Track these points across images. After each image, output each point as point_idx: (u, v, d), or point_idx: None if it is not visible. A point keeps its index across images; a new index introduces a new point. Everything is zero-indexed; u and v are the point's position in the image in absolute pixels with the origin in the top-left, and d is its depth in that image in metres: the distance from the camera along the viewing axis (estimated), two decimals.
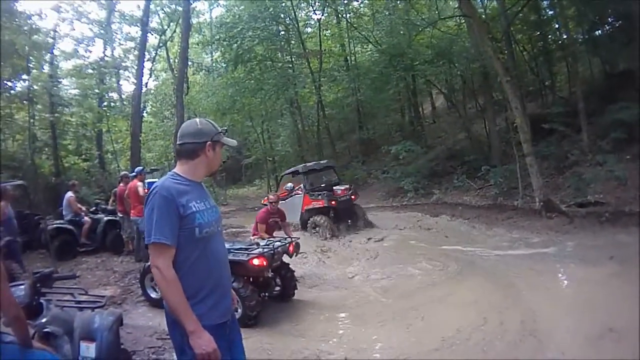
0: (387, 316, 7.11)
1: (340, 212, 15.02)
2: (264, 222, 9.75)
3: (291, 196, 16.05)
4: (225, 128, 3.20)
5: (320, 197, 14.92)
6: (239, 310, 6.62)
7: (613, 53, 15.97)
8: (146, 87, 32.67)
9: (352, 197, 15.54)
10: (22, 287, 3.49)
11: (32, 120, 24.74)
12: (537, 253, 9.40)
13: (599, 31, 17.10)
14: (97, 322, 3.40)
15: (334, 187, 15.74)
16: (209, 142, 3.04)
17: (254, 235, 9.77)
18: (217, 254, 3.03)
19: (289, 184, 16.48)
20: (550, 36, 19.09)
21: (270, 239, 8.66)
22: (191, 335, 2.77)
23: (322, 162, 18.16)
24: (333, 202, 14.71)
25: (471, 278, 8.59)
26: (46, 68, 26.51)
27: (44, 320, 3.34)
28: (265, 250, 7.41)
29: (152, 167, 25.51)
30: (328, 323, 7.18)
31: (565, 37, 17.71)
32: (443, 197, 17.30)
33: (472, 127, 20.33)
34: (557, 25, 18.72)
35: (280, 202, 16.90)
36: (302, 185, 16.01)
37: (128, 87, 34.43)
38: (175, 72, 30.64)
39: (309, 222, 14.74)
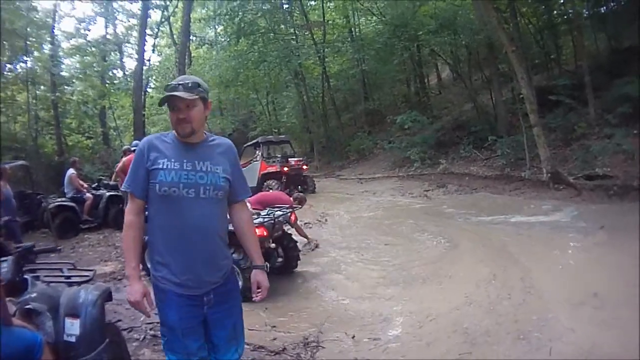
0: (396, 286, 7.07)
1: (291, 179, 17.60)
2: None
3: (251, 163, 18.12)
4: (179, 83, 2.88)
5: (274, 162, 17.59)
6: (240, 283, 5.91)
7: (618, 29, 16.01)
8: (149, 62, 32.61)
9: (303, 167, 18.58)
10: (5, 263, 3.38)
11: (34, 101, 24.84)
12: (544, 222, 9.47)
13: (604, 8, 17.12)
14: (82, 297, 3.26)
15: (289, 158, 18.14)
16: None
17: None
18: (190, 220, 2.84)
19: None
20: (555, 11, 18.86)
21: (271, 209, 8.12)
22: (128, 280, 2.93)
23: (280, 136, 22.48)
24: (285, 169, 17.42)
25: (472, 245, 8.68)
26: (47, 48, 26.44)
27: (27, 296, 3.25)
28: (266, 219, 7.19)
29: None
30: (333, 295, 7.00)
31: (570, 11, 17.59)
32: (450, 167, 17.42)
33: (478, 98, 20.29)
34: (562, 0, 18.58)
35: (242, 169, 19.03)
36: (260, 154, 18.33)
37: (131, 64, 34.53)
38: (178, 46, 30.63)
39: (263, 185, 16.86)
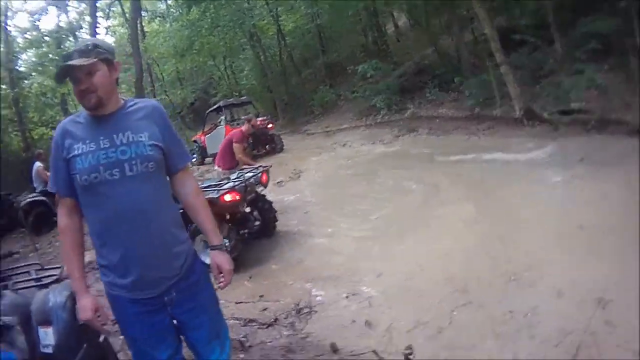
0: (383, 238, 6.92)
1: (258, 139, 17.52)
2: (242, 142, 8.99)
3: (216, 128, 18.70)
4: (75, 50, 2.48)
5: (238, 125, 16.42)
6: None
7: None
8: None
9: (268, 126, 18.53)
10: None
11: None
12: (523, 159, 9.44)
13: None
14: (51, 300, 2.89)
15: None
16: None
17: (217, 165, 9.22)
18: (120, 206, 2.38)
19: None
20: None
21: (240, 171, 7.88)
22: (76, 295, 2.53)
23: (241, 98, 22.66)
24: None
25: (453, 185, 8.68)
26: (2, 46, 26.03)
27: None
28: (237, 183, 6.94)
29: None
30: (318, 255, 6.83)
31: None
32: (418, 111, 17.26)
33: (438, 43, 20.14)
34: None
35: (207, 135, 19.73)
36: (223, 117, 18.81)
37: None
38: (130, 21, 30.27)
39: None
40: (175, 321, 2.60)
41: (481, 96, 14.48)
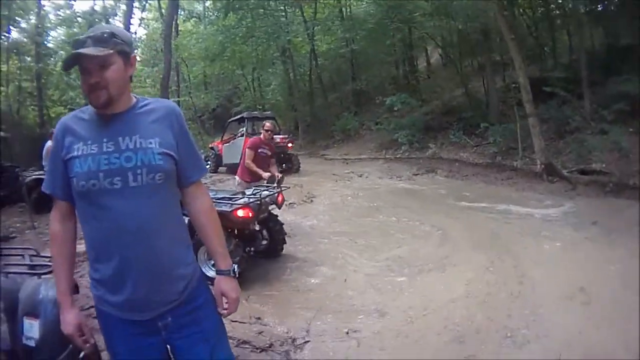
0: (392, 275, 6.73)
1: (275, 157, 16.49)
2: (254, 148, 8.40)
3: (235, 139, 18.42)
4: (88, 36, 2.09)
5: None
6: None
7: (616, 27, 15.90)
8: (135, 35, 32.55)
9: (288, 145, 18.30)
10: None
11: (18, 72, 24.49)
12: (537, 214, 9.39)
13: (602, 5, 17.12)
14: (42, 293, 2.72)
15: (274, 135, 17.18)
16: None
17: (239, 177, 8.69)
18: (121, 220, 2.09)
19: None
20: (552, 4, 18.91)
21: (257, 186, 7.53)
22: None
23: (265, 112, 21.97)
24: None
25: (466, 232, 8.55)
26: (33, 19, 26.15)
27: None
28: (252, 200, 6.61)
29: None
30: (321, 284, 6.64)
31: (569, 6, 17.54)
32: (439, 152, 17.33)
33: (469, 85, 20.18)
34: None
35: (225, 144, 19.43)
36: (244, 129, 18.28)
37: None
38: (165, 17, 30.38)
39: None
40: (169, 347, 2.32)
41: (504, 145, 14.51)
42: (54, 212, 2.29)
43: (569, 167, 11.73)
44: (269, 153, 8.55)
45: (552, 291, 5.63)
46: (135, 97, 2.29)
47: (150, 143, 2.13)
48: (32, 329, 2.61)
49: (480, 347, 4.53)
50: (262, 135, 8.67)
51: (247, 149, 8.54)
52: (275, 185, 7.70)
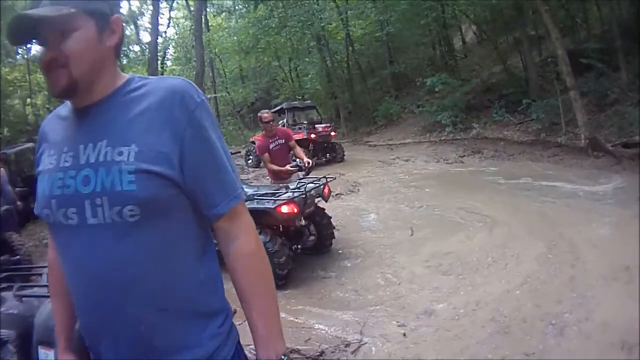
0: (449, 271, 6.25)
1: (319, 146, 17.18)
2: (264, 150, 7.39)
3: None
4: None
5: (300, 129, 16.87)
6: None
7: None
8: (165, 35, 33.03)
9: (331, 134, 18.02)
10: None
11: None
12: (586, 192, 9.22)
13: None
14: None
15: (316, 125, 17.66)
16: None
17: (271, 178, 7.86)
18: (86, 269, 1.35)
19: None
20: None
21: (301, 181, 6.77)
22: None
23: (305, 102, 21.99)
24: (312, 135, 16.84)
25: (522, 218, 8.18)
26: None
27: None
28: (296, 194, 6.07)
29: None
30: (375, 281, 6.16)
31: None
32: (483, 131, 17.28)
33: (507, 61, 19.98)
34: None
35: None
36: (285, 120, 18.13)
37: (148, 38, 35.72)
38: (193, 12, 30.89)
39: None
40: None
41: (547, 121, 14.45)
42: (50, 238, 1.64)
43: (612, 140, 11.56)
44: (283, 140, 7.52)
45: (601, 273, 5.50)
46: (129, 77, 1.49)
47: (120, 154, 1.30)
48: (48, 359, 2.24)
49: (525, 337, 4.35)
50: (263, 130, 7.76)
51: (260, 155, 7.93)
52: (304, 172, 7.38)
